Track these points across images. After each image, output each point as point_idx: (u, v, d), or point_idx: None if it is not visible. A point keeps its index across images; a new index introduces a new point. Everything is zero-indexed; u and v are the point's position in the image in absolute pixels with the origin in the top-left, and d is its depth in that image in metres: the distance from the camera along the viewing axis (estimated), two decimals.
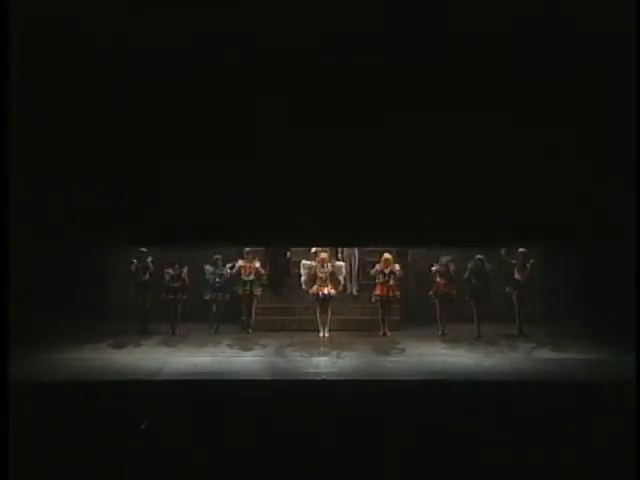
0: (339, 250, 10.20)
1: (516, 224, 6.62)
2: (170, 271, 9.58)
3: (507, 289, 9.64)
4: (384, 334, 9.67)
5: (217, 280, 9.73)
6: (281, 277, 10.32)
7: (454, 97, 6.09)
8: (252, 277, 9.68)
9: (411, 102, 6.11)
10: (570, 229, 6.58)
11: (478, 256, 9.48)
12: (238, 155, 6.30)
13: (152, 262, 9.56)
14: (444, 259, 9.53)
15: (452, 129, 6.16)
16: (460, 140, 6.21)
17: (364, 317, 10.13)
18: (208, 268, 9.71)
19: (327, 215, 6.54)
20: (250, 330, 9.85)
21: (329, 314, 9.67)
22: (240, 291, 9.77)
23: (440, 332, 9.67)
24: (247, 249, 9.62)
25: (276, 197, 6.43)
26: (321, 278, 9.49)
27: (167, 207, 6.46)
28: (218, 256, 9.71)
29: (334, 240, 6.93)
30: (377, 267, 9.52)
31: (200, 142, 6.26)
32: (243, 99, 6.10)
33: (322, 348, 8.92)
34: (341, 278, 9.72)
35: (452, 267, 9.54)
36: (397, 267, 9.50)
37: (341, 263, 9.84)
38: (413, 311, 10.42)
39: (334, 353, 8.58)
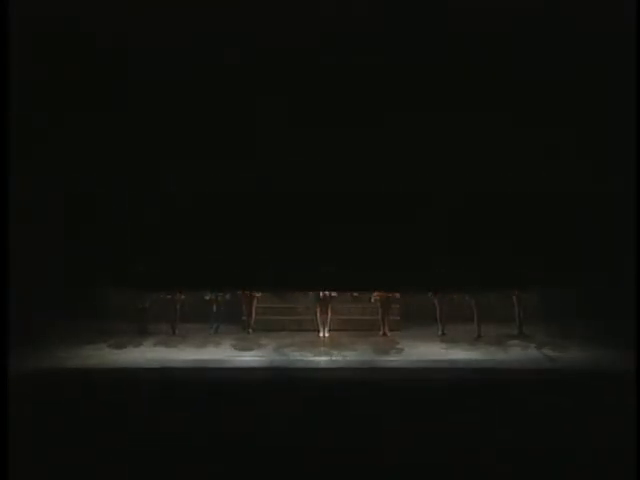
0: None
1: (516, 224, 6.62)
2: None
3: None
4: (384, 334, 9.68)
5: None
6: None
7: (454, 97, 6.09)
8: None
9: (411, 102, 6.12)
10: (570, 229, 6.58)
11: None
12: (238, 155, 6.30)
13: None
14: None
15: (452, 129, 6.17)
16: (460, 140, 6.21)
17: (364, 317, 10.16)
18: None
19: (326, 215, 6.54)
20: (250, 330, 9.86)
21: (329, 314, 9.69)
22: (240, 291, 9.79)
23: (440, 332, 9.68)
24: None
25: (276, 197, 6.44)
26: None
27: (167, 207, 6.47)
28: None
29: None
30: None
31: (200, 142, 6.26)
32: (243, 99, 6.10)
33: (322, 348, 8.92)
34: None
35: None
36: None
37: None
38: (413, 311, 10.43)
39: (334, 353, 8.58)
